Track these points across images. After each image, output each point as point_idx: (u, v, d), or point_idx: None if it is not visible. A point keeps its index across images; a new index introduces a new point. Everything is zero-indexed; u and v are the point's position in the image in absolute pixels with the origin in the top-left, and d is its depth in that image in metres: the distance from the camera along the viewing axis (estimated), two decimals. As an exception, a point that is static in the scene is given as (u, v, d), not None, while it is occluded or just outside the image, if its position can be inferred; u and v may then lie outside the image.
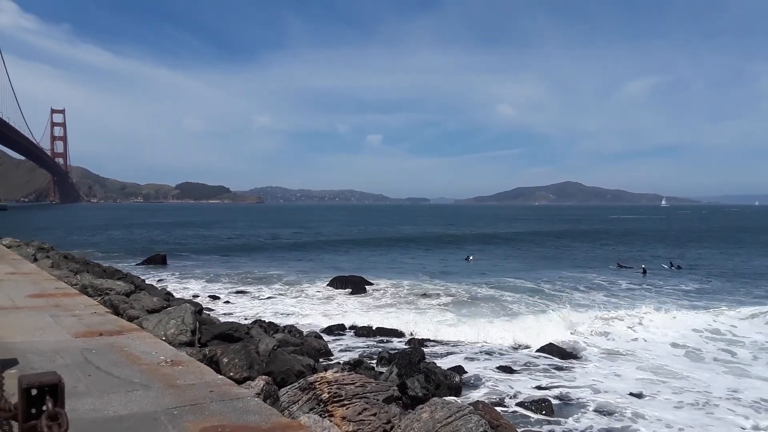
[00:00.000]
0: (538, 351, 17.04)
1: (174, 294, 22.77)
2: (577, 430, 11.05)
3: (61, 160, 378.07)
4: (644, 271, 36.94)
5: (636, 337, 18.99)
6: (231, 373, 9.34)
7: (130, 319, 10.71)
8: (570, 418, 11.56)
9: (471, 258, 46.79)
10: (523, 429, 10.27)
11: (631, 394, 13.08)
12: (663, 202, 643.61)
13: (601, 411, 11.97)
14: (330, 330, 19.58)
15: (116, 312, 11.06)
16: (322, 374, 8.08)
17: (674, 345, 17.89)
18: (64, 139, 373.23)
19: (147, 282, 25.02)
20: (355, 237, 76.54)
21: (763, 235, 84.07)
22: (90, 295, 12.04)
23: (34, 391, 2.01)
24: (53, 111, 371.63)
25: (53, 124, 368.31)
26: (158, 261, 42.26)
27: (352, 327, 20.13)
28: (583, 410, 12.03)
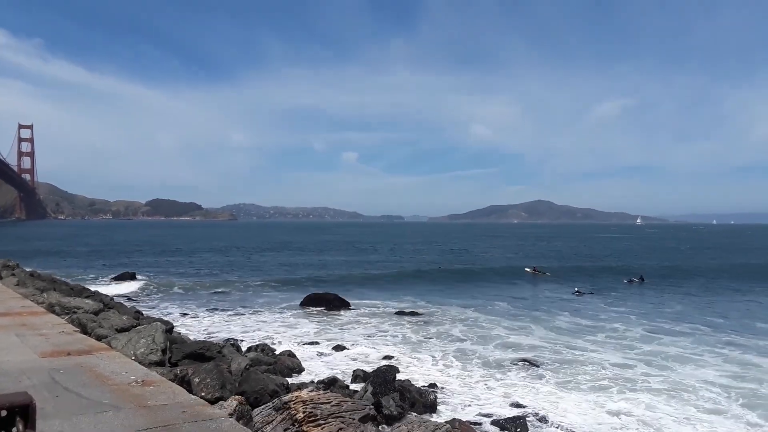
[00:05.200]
0: (512, 362, 17.20)
1: (143, 312, 22.33)
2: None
3: (28, 176, 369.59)
4: (578, 293, 36.39)
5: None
6: (203, 393, 9.17)
7: (99, 338, 10.46)
8: (544, 436, 11.59)
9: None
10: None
11: (607, 412, 13.17)
12: (638, 221, 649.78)
13: (574, 427, 12.02)
14: (303, 348, 19.37)
15: (84, 331, 10.79)
16: (296, 393, 7.97)
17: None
18: (31, 154, 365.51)
19: (116, 300, 24.49)
20: (330, 255, 76.17)
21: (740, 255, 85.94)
22: (57, 314, 11.74)
23: (3, 413, 1.94)
24: (21, 126, 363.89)
25: (21, 140, 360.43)
26: (127, 279, 41.49)
27: (326, 344, 19.96)
28: (557, 428, 12.07)
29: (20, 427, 1.91)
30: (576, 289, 37.54)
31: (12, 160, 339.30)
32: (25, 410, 1.95)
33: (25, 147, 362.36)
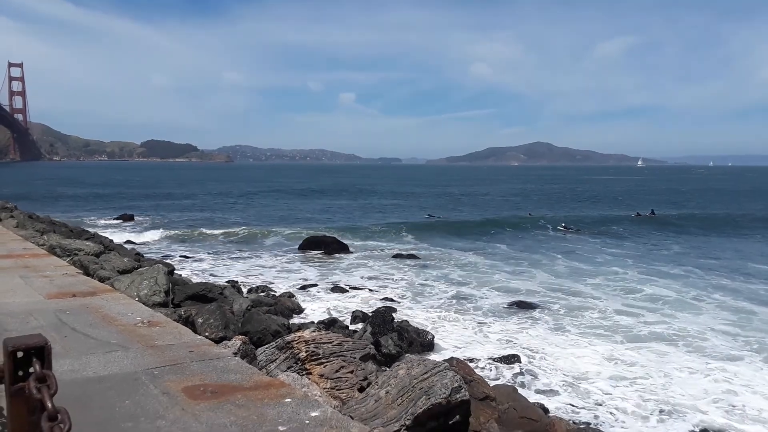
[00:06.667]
0: (507, 306, 17.57)
1: (144, 255, 22.50)
2: (546, 384, 11.42)
3: (20, 116, 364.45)
4: (565, 227, 37.84)
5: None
6: (206, 333, 9.35)
7: (102, 279, 10.56)
8: (539, 372, 11.92)
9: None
10: (495, 383, 10.55)
11: (608, 358, 13.40)
12: (640, 163, 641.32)
13: (569, 368, 12.35)
14: (303, 289, 19.65)
15: (87, 273, 10.89)
16: (299, 333, 8.14)
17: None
18: (23, 94, 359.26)
19: (115, 242, 24.62)
20: (328, 198, 76.26)
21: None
22: (59, 256, 11.83)
23: (20, 354, 1.98)
24: (11, 65, 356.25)
25: (11, 79, 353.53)
26: (126, 221, 41.63)
27: (325, 287, 20.24)
28: (551, 365, 12.41)
29: (37, 367, 1.95)
30: (563, 224, 38.30)
31: (3, 100, 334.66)
32: (40, 351, 1.99)
33: (16, 86, 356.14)
